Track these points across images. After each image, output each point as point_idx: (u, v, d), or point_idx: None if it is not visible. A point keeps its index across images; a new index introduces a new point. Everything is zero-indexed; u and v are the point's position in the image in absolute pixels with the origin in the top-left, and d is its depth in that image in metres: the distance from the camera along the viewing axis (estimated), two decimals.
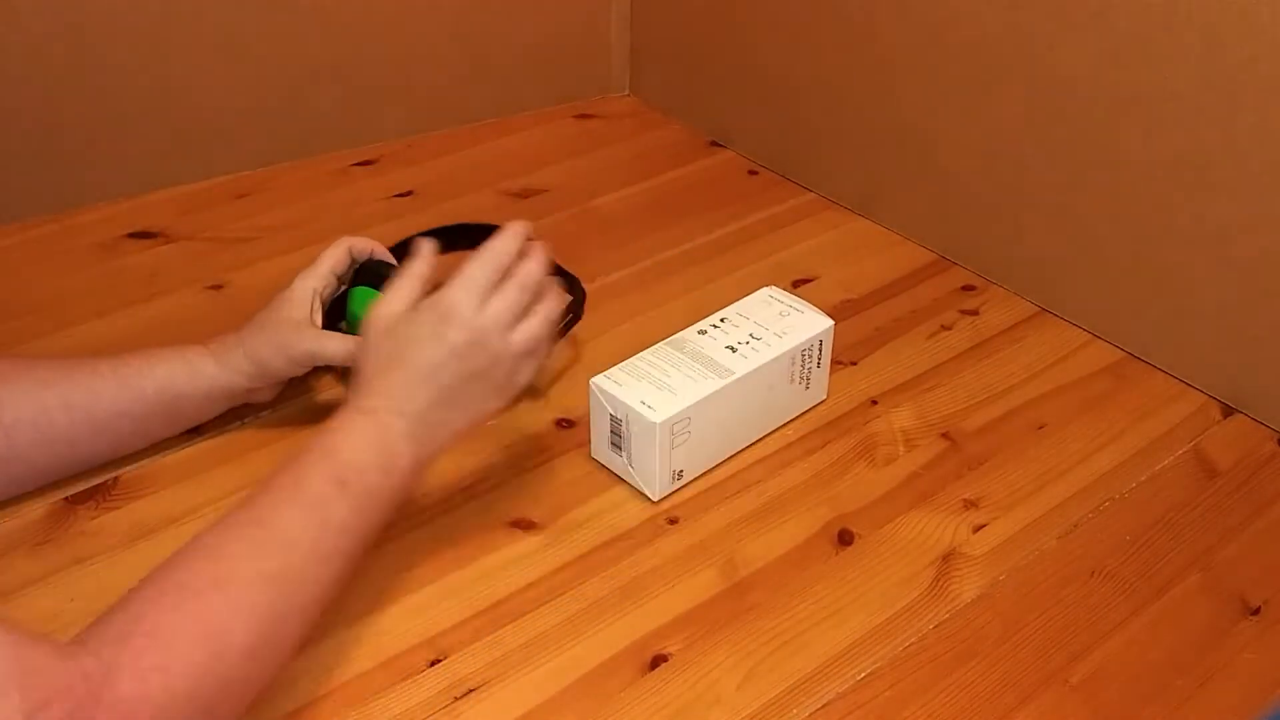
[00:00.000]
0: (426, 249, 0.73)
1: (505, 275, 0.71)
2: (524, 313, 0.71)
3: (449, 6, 1.23)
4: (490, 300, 0.69)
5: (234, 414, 0.85)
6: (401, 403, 0.67)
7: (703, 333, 0.84)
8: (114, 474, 0.80)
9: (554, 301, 0.73)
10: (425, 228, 1.10)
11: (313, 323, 0.80)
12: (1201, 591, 0.75)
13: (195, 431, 0.84)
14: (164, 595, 0.57)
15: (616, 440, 0.80)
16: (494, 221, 1.06)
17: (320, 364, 0.80)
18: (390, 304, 0.70)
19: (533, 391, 0.88)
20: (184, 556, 0.59)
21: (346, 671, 0.67)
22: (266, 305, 0.81)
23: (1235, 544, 0.78)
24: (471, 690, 0.67)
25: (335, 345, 0.78)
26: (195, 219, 1.11)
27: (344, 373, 0.84)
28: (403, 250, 0.90)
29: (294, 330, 0.78)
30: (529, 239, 0.73)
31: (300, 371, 0.81)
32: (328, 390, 0.89)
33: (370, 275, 0.84)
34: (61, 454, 0.76)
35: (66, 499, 0.78)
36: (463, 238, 0.95)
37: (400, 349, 0.68)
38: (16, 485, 0.77)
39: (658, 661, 0.69)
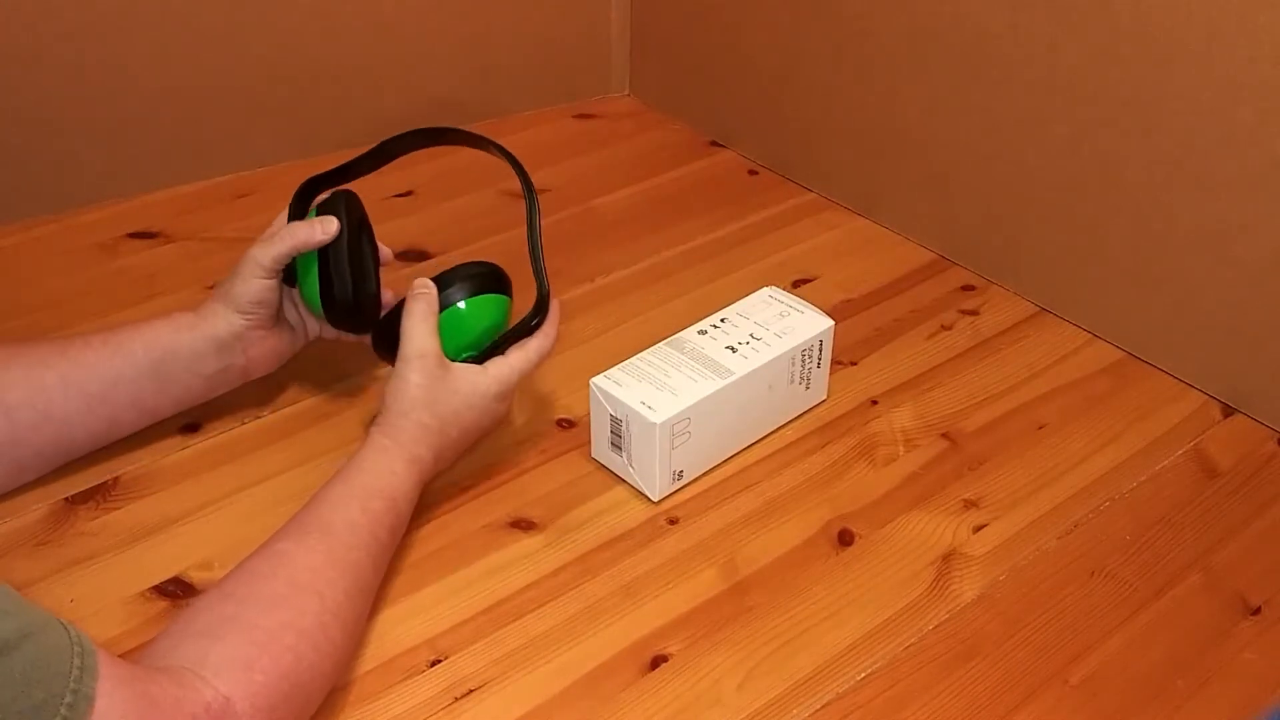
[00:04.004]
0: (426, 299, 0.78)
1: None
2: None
3: (449, 6, 1.23)
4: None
5: (234, 414, 0.85)
6: (444, 452, 0.76)
7: (703, 333, 0.84)
8: (114, 474, 0.80)
9: None
10: (426, 227, 1.10)
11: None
12: (1201, 591, 0.75)
13: (195, 431, 0.84)
14: (280, 634, 0.60)
15: (617, 440, 0.80)
16: (497, 224, 1.06)
17: (278, 264, 0.79)
18: (430, 354, 0.76)
19: None
20: (287, 588, 0.63)
21: (348, 672, 0.67)
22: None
23: (1235, 544, 0.78)
24: (472, 690, 0.67)
25: (284, 241, 0.78)
26: (195, 219, 1.11)
27: (295, 284, 0.83)
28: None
29: (245, 259, 0.79)
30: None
31: (266, 291, 0.79)
32: (323, 394, 0.89)
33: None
34: (59, 434, 0.76)
35: (66, 499, 0.78)
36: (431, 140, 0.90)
37: (460, 412, 0.76)
38: (17, 473, 0.77)
39: (658, 662, 0.69)
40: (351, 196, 0.82)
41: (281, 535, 0.66)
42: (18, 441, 0.75)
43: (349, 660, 0.67)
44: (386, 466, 0.72)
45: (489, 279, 0.80)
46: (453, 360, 0.78)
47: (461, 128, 0.86)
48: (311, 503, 0.69)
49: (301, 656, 0.59)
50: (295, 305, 0.85)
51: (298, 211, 0.82)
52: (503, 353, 0.79)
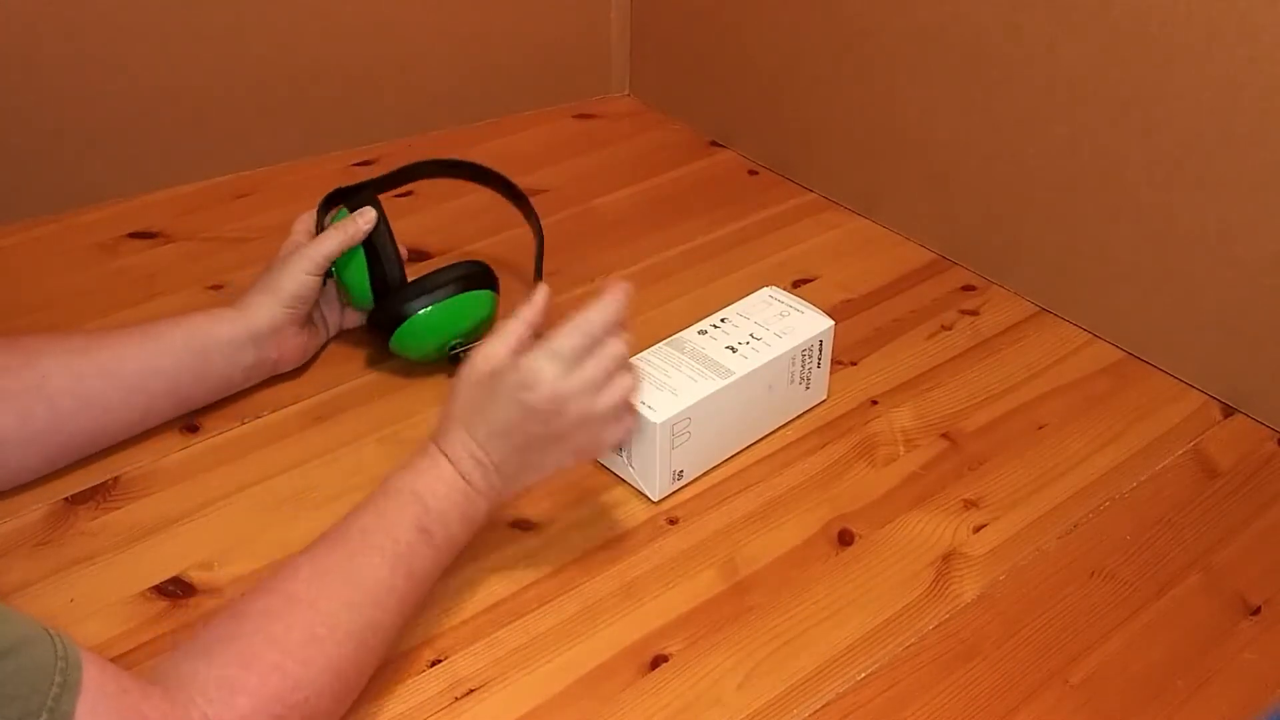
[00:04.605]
0: (541, 296, 0.73)
1: (593, 343, 0.71)
2: (607, 380, 0.71)
3: (449, 6, 1.23)
4: (574, 370, 0.70)
5: (234, 414, 0.86)
6: (482, 453, 0.69)
7: (703, 333, 0.84)
8: (114, 474, 0.80)
9: (634, 375, 0.74)
10: (426, 227, 1.10)
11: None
12: (1201, 591, 0.75)
13: (195, 431, 0.84)
14: (265, 651, 0.58)
15: None
16: (492, 220, 1.06)
17: (329, 261, 0.85)
18: (492, 350, 0.71)
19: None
20: (281, 602, 0.61)
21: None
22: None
23: (1235, 544, 0.78)
24: (472, 690, 0.67)
25: (329, 239, 0.85)
26: (195, 219, 1.11)
27: (334, 280, 0.89)
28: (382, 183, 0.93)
29: (294, 255, 0.85)
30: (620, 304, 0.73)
31: (312, 287, 0.84)
32: (322, 394, 0.89)
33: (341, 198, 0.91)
34: (97, 421, 0.78)
35: (66, 499, 0.78)
36: (463, 173, 0.99)
37: (484, 403, 0.70)
38: (49, 460, 0.78)
39: (658, 661, 0.69)
40: (374, 198, 0.89)
41: (308, 546, 0.65)
42: (58, 429, 0.76)
43: (358, 674, 0.63)
44: (411, 463, 0.69)
45: (481, 276, 0.89)
46: (442, 346, 0.88)
47: (490, 168, 0.96)
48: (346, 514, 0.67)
49: (289, 674, 0.57)
50: (319, 302, 0.90)
51: (323, 215, 0.90)
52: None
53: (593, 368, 0.70)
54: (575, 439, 0.71)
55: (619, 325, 0.72)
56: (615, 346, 0.71)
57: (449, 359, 0.89)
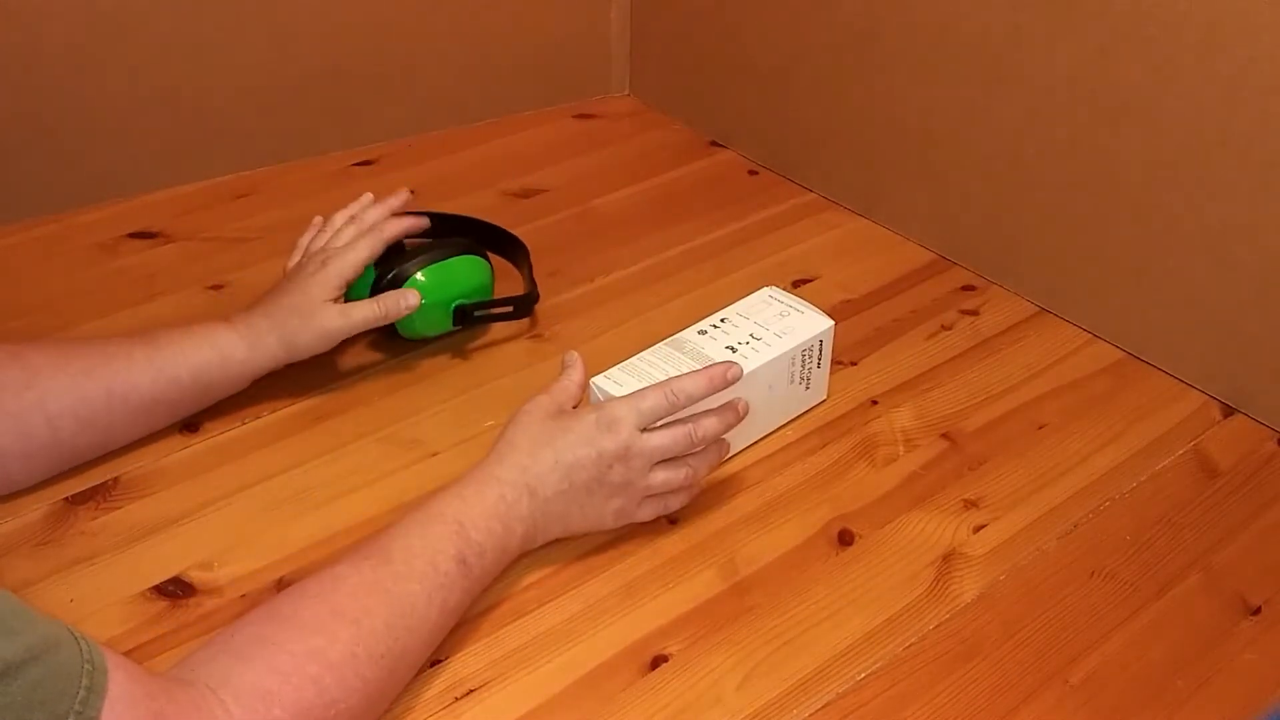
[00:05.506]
0: (577, 365, 0.78)
1: (681, 417, 0.74)
2: (676, 459, 0.74)
3: (449, 7, 1.23)
4: (653, 432, 0.72)
5: (234, 414, 0.86)
6: (534, 482, 0.71)
7: (703, 333, 0.84)
8: (114, 474, 0.80)
9: (709, 462, 0.77)
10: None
11: (339, 300, 0.85)
12: (1201, 591, 0.75)
13: (195, 431, 0.84)
14: (306, 664, 0.57)
15: None
16: (496, 222, 1.06)
17: (353, 334, 0.84)
18: (565, 391, 0.76)
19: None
20: (325, 613, 0.60)
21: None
22: (295, 285, 0.84)
23: (1235, 544, 0.78)
24: (472, 690, 0.67)
25: (363, 311, 0.84)
26: (195, 219, 1.11)
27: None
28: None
29: (326, 313, 0.83)
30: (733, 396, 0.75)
31: (330, 346, 0.84)
32: (322, 394, 0.89)
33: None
34: (99, 439, 0.79)
35: (66, 499, 0.78)
36: (472, 233, 1.03)
37: (555, 435, 0.71)
38: (51, 466, 0.78)
39: (658, 662, 0.69)
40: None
41: (345, 556, 0.64)
42: (59, 444, 0.76)
43: (382, 700, 0.63)
44: (458, 491, 0.69)
45: (468, 245, 0.92)
46: (446, 310, 0.89)
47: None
48: (388, 526, 0.67)
49: (325, 690, 0.57)
50: None
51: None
52: (488, 312, 0.92)
53: (670, 437, 0.73)
54: (620, 498, 0.73)
55: (731, 409, 0.75)
56: (705, 427, 0.74)
57: (458, 320, 0.91)
